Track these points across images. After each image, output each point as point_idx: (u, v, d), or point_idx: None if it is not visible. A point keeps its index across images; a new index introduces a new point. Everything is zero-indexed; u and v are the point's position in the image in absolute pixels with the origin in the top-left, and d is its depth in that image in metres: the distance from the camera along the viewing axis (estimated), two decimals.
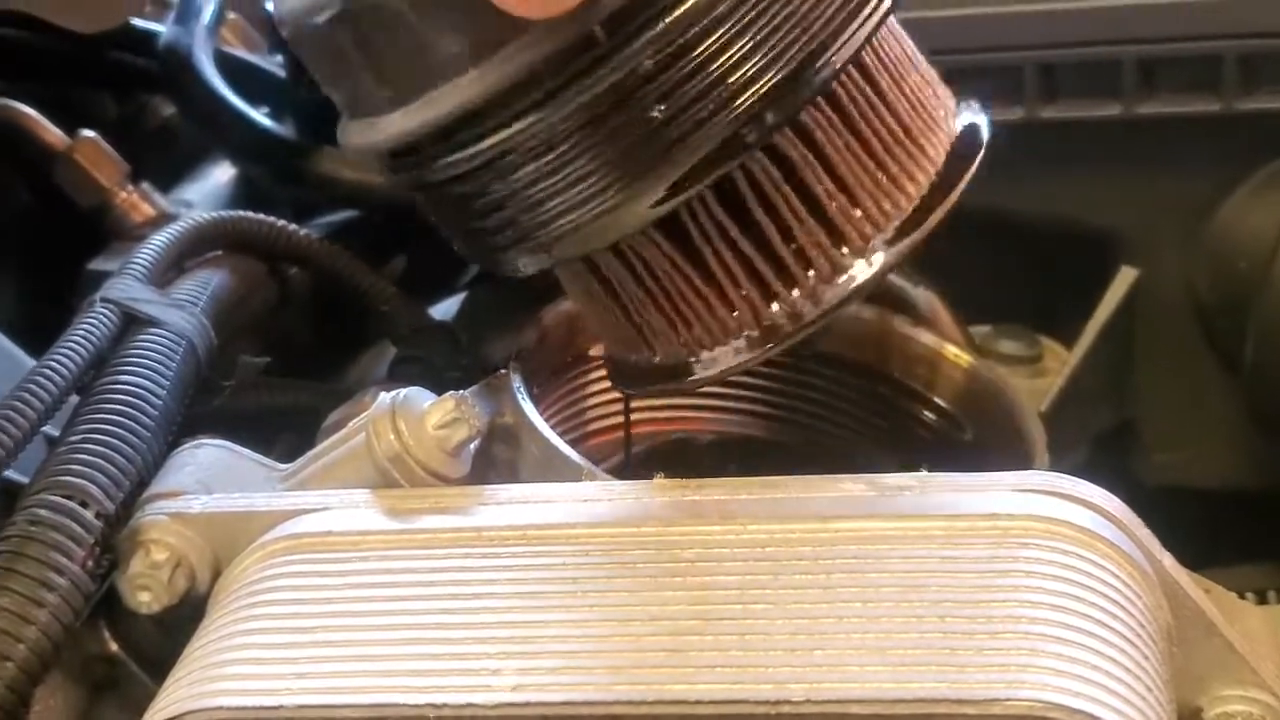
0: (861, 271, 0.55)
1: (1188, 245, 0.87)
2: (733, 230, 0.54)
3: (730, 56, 0.51)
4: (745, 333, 0.56)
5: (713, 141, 0.51)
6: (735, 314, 0.56)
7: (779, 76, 0.51)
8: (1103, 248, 0.88)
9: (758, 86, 0.51)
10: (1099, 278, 0.87)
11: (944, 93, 0.59)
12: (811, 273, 0.55)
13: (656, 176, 0.52)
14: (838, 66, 0.52)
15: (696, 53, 0.50)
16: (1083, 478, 0.53)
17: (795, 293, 0.55)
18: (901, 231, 0.55)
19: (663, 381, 0.58)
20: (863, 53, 0.54)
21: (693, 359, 0.57)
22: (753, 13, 0.51)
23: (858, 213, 0.55)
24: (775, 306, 0.55)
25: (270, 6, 0.60)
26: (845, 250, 0.55)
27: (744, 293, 0.55)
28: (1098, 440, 0.88)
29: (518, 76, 0.51)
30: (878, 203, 0.55)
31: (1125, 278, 0.86)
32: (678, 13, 0.50)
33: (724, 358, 0.57)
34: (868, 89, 0.54)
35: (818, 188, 0.54)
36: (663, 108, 0.51)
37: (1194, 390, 0.89)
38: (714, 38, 0.50)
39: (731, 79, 0.51)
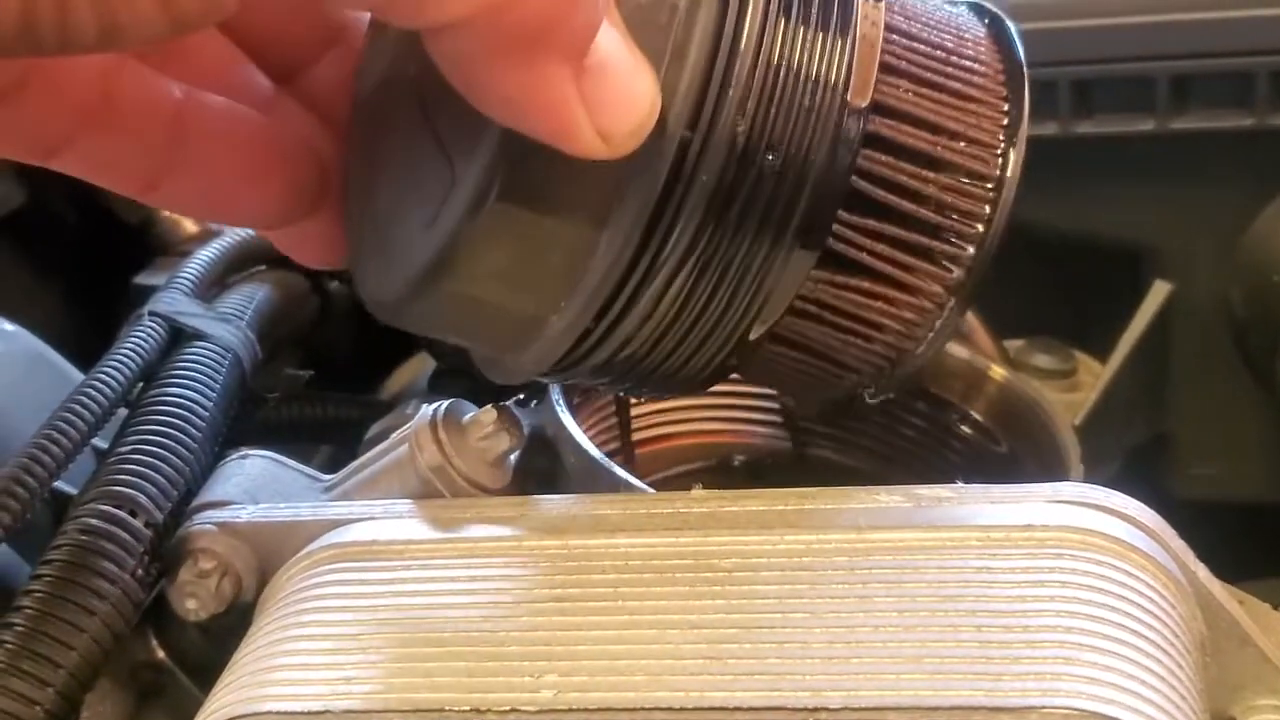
0: (1000, 180, 0.55)
1: (1221, 259, 0.87)
2: (876, 224, 0.53)
3: (796, 74, 0.50)
4: (934, 302, 0.55)
5: (829, 149, 0.51)
6: (916, 293, 0.55)
7: (846, 59, 0.51)
8: (1137, 262, 0.89)
9: (835, 72, 0.50)
10: (1133, 292, 0.88)
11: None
12: (955, 216, 0.54)
13: (804, 216, 0.51)
14: (882, 31, 0.52)
15: (774, 90, 0.49)
16: (1117, 490, 0.54)
17: (954, 239, 0.54)
18: (1010, 127, 0.55)
19: (888, 387, 0.57)
20: (890, 12, 0.53)
21: (898, 355, 0.56)
22: (792, 26, 0.50)
23: (961, 144, 0.54)
24: (946, 262, 0.54)
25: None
26: (969, 180, 0.54)
27: (914, 270, 0.54)
28: (1132, 454, 0.88)
29: (645, 212, 0.49)
30: (974, 122, 0.54)
31: (1159, 292, 0.87)
32: (739, 70, 0.49)
33: (929, 335, 0.55)
34: (902, 39, 0.54)
35: (919, 144, 0.53)
36: (770, 156, 0.50)
37: (1228, 404, 0.89)
38: (776, 67, 0.50)
39: (808, 94, 0.50)
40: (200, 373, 0.65)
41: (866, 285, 0.54)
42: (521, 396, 0.65)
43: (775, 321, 0.54)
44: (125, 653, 0.60)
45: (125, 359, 0.64)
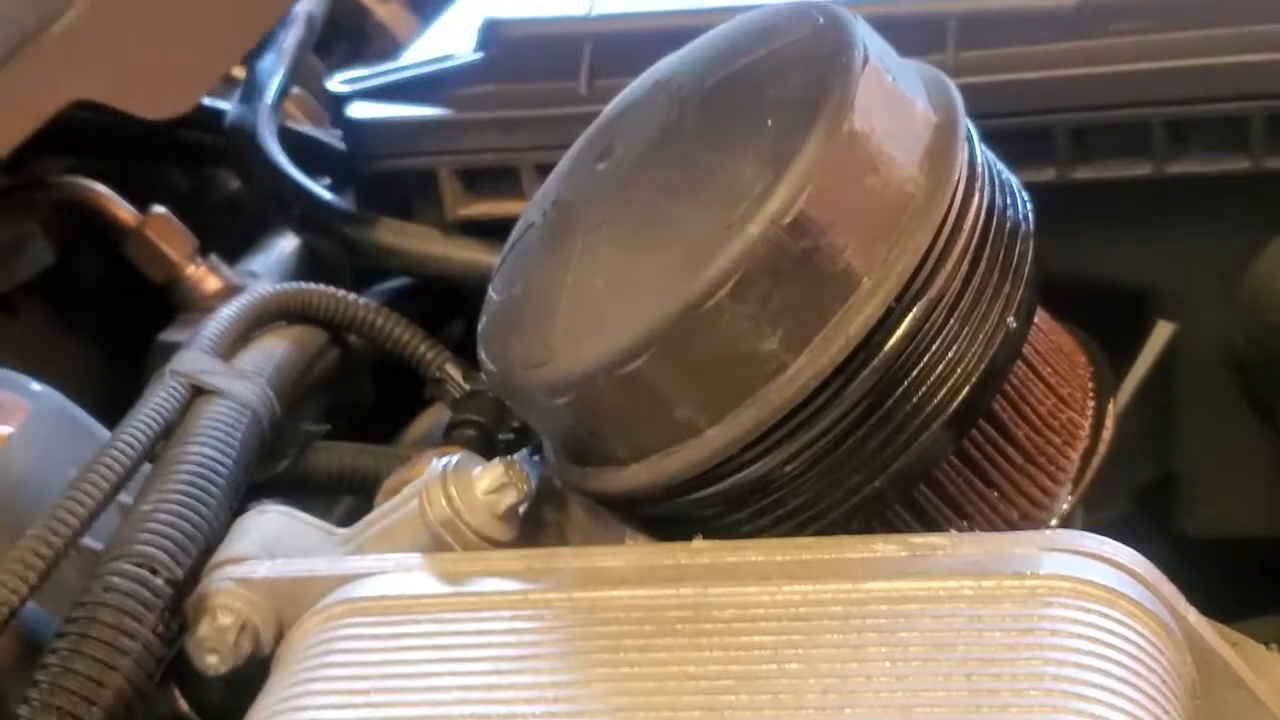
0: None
1: (1223, 300, 0.87)
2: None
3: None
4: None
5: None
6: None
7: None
8: (1139, 304, 0.89)
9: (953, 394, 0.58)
10: (1136, 333, 0.88)
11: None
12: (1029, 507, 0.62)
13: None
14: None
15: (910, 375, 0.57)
16: (1123, 531, 0.55)
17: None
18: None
19: None
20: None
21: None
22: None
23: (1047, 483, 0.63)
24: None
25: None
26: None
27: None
28: (1138, 494, 0.89)
29: (752, 435, 0.56)
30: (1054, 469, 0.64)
31: (1162, 332, 0.87)
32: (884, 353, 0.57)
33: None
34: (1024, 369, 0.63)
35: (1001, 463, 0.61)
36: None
37: (1234, 443, 0.90)
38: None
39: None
40: (219, 431, 0.67)
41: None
42: (529, 449, 0.66)
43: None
44: (150, 707, 0.62)
45: (148, 418, 0.66)
